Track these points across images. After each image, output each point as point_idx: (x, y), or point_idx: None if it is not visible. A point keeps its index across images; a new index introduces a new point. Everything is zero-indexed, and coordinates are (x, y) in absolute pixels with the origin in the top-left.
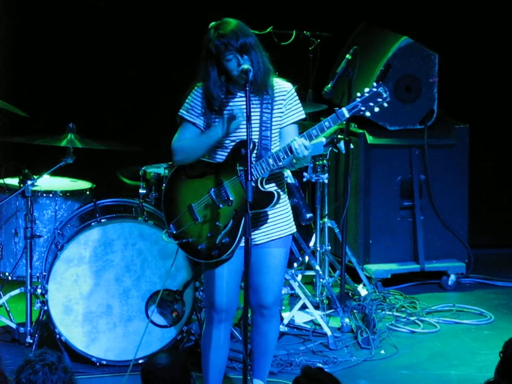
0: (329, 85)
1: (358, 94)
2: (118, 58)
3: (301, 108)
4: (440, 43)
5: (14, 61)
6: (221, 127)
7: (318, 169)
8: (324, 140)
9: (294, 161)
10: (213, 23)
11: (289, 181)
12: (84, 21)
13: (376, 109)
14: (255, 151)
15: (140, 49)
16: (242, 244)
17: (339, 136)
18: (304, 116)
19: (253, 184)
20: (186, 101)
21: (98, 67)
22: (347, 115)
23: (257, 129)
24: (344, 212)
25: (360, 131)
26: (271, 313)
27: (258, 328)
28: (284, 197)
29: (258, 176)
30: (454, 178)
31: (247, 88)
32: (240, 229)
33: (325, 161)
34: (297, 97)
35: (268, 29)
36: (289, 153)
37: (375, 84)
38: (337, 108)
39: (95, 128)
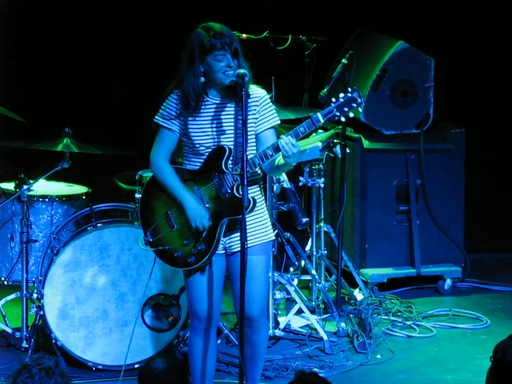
0: (325, 90)
1: (333, 100)
2: (114, 63)
3: (275, 114)
4: (436, 48)
5: (10, 65)
6: (188, 204)
7: (314, 174)
8: (320, 144)
9: (281, 162)
10: (200, 25)
11: (285, 185)
12: (81, 25)
13: (351, 114)
14: (231, 158)
15: (137, 54)
16: (221, 252)
17: (335, 140)
18: (278, 122)
19: (229, 191)
20: (161, 107)
21: (94, 72)
22: (322, 120)
23: (232, 135)
24: (340, 216)
25: (356, 135)
26: (258, 324)
27: (247, 339)
28: (260, 204)
29: (233, 182)
30: (450, 182)
31: (243, 94)
32: (216, 235)
33: (321, 165)
34: (271, 104)
35: (264, 34)
36: (274, 153)
37: (349, 89)
38: (312, 113)
39: (91, 133)
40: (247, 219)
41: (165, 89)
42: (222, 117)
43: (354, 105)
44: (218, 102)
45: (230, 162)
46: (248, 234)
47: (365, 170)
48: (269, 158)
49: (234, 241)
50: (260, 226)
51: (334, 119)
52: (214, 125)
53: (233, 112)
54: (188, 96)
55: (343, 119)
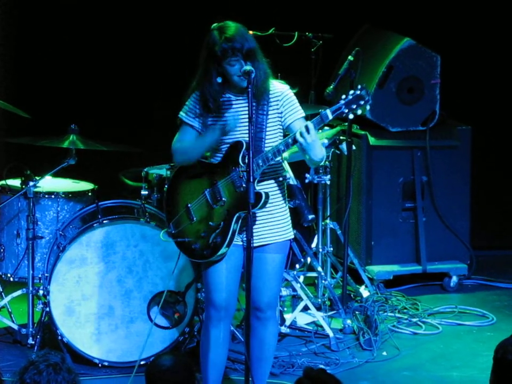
0: (331, 86)
1: (343, 96)
2: (120, 59)
3: (299, 107)
4: (442, 44)
5: (16, 62)
6: (215, 132)
7: (320, 171)
8: (326, 141)
9: (307, 157)
10: (215, 25)
11: (291, 182)
12: (87, 22)
13: (359, 111)
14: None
15: (143, 51)
16: (239, 243)
17: (341, 137)
18: (303, 115)
19: (244, 185)
20: (186, 103)
21: (100, 68)
22: (330, 117)
23: (252, 130)
24: (346, 213)
25: (362, 132)
26: (266, 317)
27: (255, 332)
28: (282, 201)
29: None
30: (456, 179)
31: (249, 90)
32: (231, 228)
33: (327, 162)
34: (294, 97)
35: (270, 31)
36: (287, 147)
37: (359, 87)
38: (321, 110)
39: (97, 130)
40: (265, 215)
41: (168, 87)
42: (241, 113)
43: (362, 102)
44: (238, 98)
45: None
46: (266, 231)
47: (371, 167)
48: (281, 152)
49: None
50: (280, 224)
51: (342, 116)
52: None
53: (254, 107)
54: (206, 99)
55: (351, 116)
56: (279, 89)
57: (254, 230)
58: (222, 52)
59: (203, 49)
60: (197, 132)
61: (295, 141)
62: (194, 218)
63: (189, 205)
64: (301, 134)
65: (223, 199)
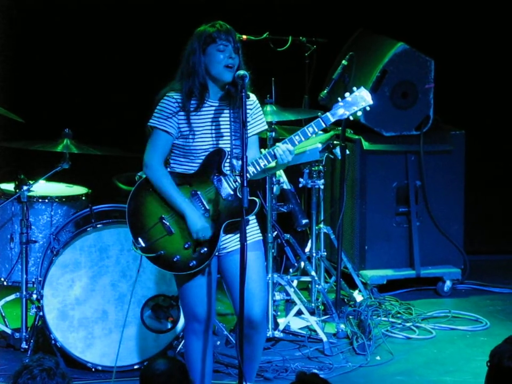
0: (325, 91)
1: (339, 99)
2: (115, 64)
3: (264, 119)
4: (436, 49)
5: (9, 66)
6: (191, 212)
7: (314, 175)
8: (319, 145)
9: (272, 165)
10: (209, 23)
11: (285, 186)
12: (81, 25)
13: (359, 113)
14: (227, 160)
15: (138, 55)
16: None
17: (335, 142)
18: (266, 127)
19: (232, 193)
20: (156, 111)
21: (94, 72)
22: (332, 119)
23: (228, 138)
24: (340, 217)
25: (356, 137)
26: (259, 325)
27: (248, 339)
28: None
29: (235, 184)
30: (450, 184)
31: (243, 94)
32: (219, 237)
33: (320, 167)
34: (261, 109)
35: (264, 35)
36: (271, 160)
37: (355, 89)
38: (320, 113)
39: (91, 134)
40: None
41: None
42: (219, 119)
43: (363, 103)
44: (215, 105)
45: (227, 164)
46: (238, 234)
47: (364, 171)
48: (262, 167)
49: (228, 242)
50: (252, 225)
51: (342, 117)
52: (212, 128)
53: (228, 115)
54: (193, 89)
55: (351, 117)
56: (252, 98)
57: (227, 237)
58: (216, 35)
59: (190, 43)
60: (171, 137)
61: (293, 143)
62: (173, 231)
63: (164, 217)
64: (284, 153)
65: (207, 208)
